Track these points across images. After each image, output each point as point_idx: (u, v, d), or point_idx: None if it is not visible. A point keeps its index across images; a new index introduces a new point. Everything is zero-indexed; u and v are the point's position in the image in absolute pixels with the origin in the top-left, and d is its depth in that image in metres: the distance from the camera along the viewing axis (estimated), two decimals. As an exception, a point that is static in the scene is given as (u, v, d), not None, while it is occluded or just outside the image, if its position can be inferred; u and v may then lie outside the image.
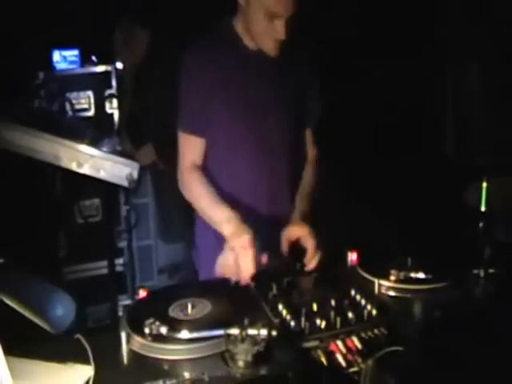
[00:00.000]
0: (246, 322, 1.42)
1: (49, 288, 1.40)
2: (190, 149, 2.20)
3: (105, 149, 2.93)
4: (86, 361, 1.60)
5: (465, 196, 2.30)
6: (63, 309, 1.37)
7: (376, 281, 1.78)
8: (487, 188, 2.09)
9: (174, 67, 2.14)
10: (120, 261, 3.98)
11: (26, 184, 3.37)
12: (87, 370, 1.58)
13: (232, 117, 2.16)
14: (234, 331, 1.40)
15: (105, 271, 3.65)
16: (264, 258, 1.91)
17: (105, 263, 3.50)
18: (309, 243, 2.04)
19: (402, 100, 4.11)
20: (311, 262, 2.01)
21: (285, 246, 2.11)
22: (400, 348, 1.44)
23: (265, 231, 2.01)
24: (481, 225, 2.08)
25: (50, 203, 3.66)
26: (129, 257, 3.98)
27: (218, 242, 2.05)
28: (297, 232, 2.09)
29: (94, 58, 3.88)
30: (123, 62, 3.77)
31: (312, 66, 2.33)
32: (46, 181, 3.62)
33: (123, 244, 3.98)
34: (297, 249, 2.10)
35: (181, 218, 3.54)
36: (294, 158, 2.29)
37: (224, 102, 2.14)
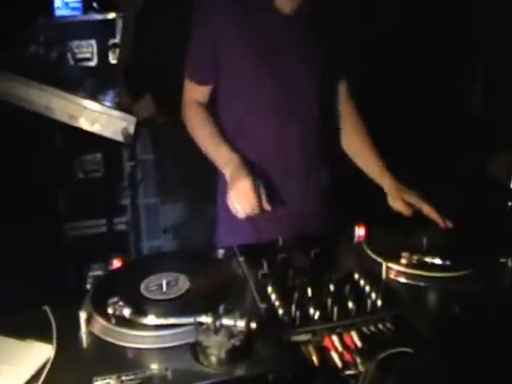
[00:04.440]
0: (221, 309, 1.20)
1: None
2: (195, 91, 2.09)
3: (104, 101, 2.84)
4: (49, 338, 1.43)
5: (491, 168, 2.06)
6: None
7: (384, 263, 1.54)
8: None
9: (175, 13, 1.95)
10: (122, 219, 3.84)
11: (25, 137, 3.23)
12: (47, 351, 1.41)
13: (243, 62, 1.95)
14: (207, 319, 1.18)
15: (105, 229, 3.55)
16: (267, 206, 1.74)
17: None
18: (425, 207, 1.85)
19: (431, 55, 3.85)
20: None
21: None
22: (409, 349, 1.22)
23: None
24: (510, 204, 1.85)
25: (49, 157, 3.51)
26: (132, 215, 3.84)
27: None
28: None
29: (95, 4, 3.65)
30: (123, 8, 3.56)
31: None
32: (46, 134, 3.43)
33: (126, 201, 3.82)
34: None
35: (181, 176, 3.39)
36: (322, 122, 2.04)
37: (235, 46, 1.93)
